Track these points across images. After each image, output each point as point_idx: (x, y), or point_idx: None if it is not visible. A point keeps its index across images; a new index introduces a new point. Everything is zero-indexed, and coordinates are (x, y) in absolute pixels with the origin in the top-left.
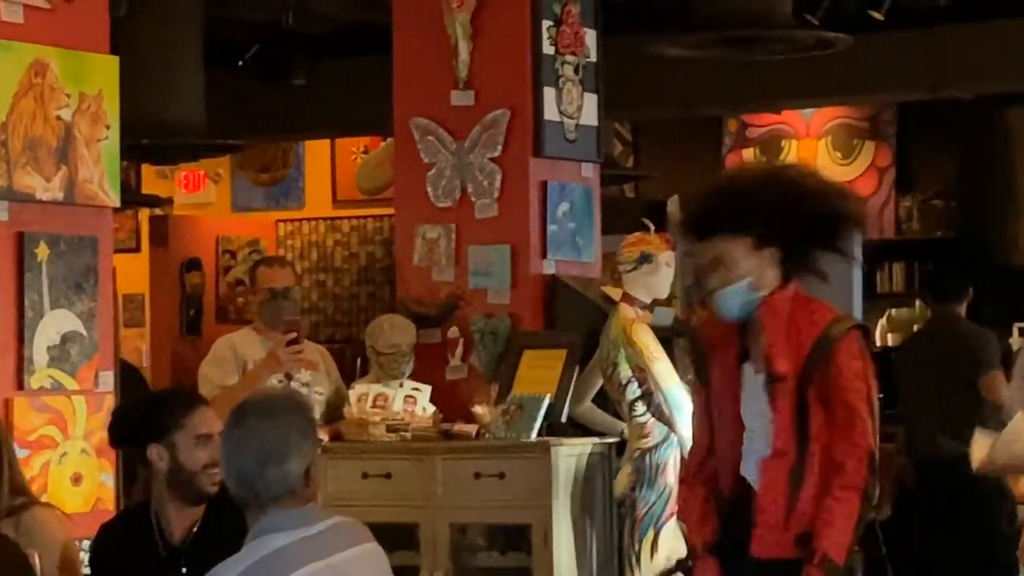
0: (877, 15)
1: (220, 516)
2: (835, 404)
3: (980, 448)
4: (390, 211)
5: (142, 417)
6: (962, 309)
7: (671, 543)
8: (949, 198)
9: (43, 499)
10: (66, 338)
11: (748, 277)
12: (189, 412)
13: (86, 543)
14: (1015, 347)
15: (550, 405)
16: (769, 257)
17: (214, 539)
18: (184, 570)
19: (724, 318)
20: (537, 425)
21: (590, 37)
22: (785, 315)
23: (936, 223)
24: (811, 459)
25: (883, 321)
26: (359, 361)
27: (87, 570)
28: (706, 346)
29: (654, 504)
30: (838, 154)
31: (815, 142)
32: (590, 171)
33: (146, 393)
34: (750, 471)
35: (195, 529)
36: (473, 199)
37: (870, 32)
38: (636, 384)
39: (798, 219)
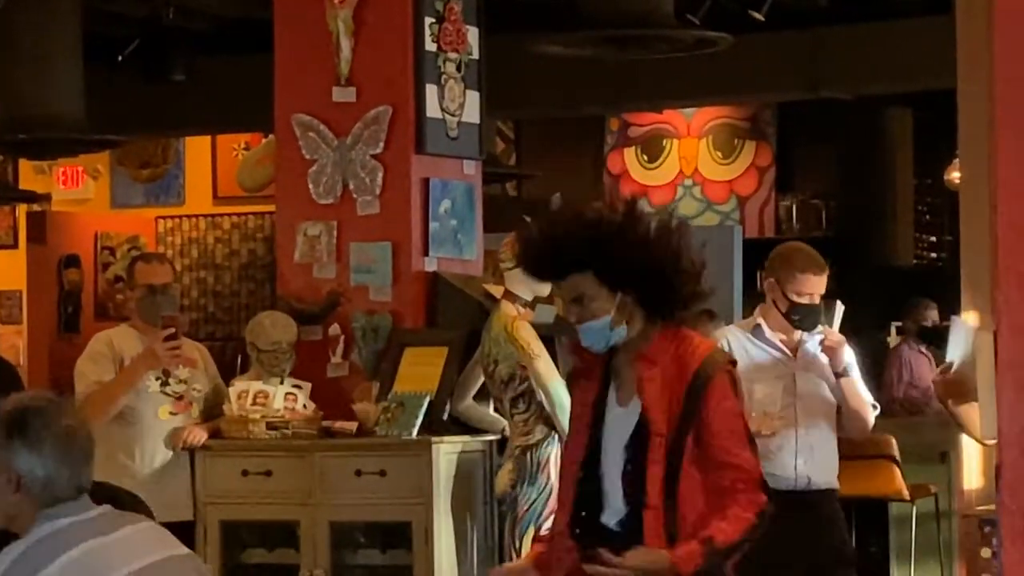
0: (758, 16)
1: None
2: (714, 440)
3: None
4: (271, 208)
5: None
6: None
7: None
8: (829, 198)
9: None
10: None
11: (607, 315)
12: None
13: None
14: (892, 344)
15: (431, 403)
16: (623, 298)
17: None
18: None
19: (590, 350)
20: (418, 423)
21: (472, 34)
22: (660, 365)
23: (816, 223)
24: (680, 516)
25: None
26: (240, 358)
27: None
28: (572, 376)
29: (535, 501)
30: (719, 153)
31: (696, 141)
32: (472, 168)
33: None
34: (613, 519)
35: None
36: (355, 196)
37: (751, 32)
38: (517, 381)
39: (630, 269)
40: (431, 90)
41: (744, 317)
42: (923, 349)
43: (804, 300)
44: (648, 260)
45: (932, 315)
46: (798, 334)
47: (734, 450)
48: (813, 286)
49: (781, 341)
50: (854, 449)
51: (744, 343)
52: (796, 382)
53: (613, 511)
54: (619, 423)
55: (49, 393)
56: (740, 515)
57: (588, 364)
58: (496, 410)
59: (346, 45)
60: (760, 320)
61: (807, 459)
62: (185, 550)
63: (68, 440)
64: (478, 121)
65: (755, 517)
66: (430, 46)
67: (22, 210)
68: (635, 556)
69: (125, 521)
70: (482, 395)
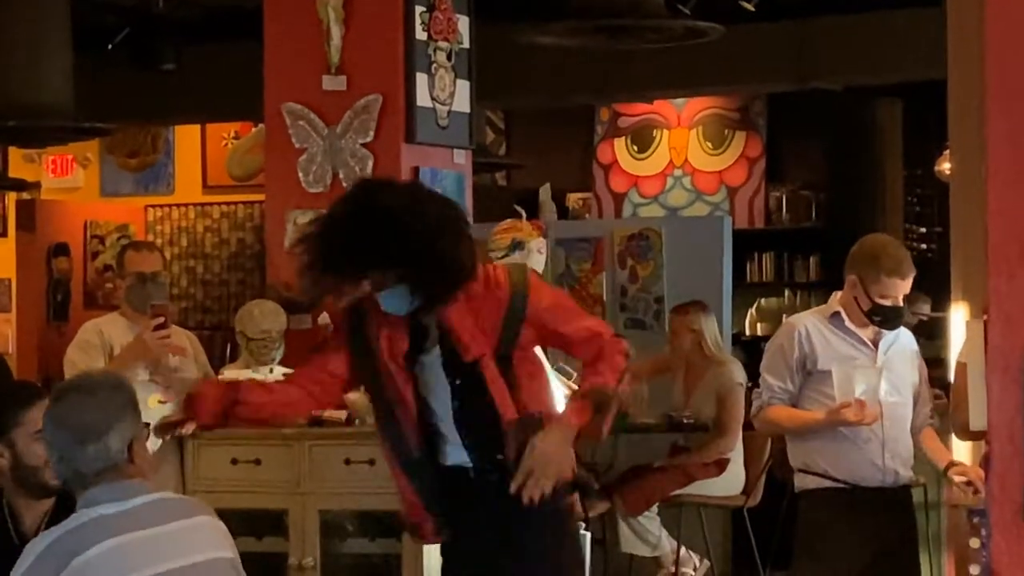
0: (748, 6)
1: (69, 507)
2: (558, 329)
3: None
4: (261, 197)
5: None
6: None
7: None
8: (818, 189)
9: None
10: None
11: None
12: (26, 408)
13: None
14: None
15: None
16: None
17: None
18: None
19: (392, 313)
20: None
21: (463, 23)
22: (464, 307)
23: (806, 214)
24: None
25: (752, 310)
26: (229, 347)
27: None
28: (364, 323)
29: None
30: (709, 144)
31: (686, 132)
32: (462, 157)
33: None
34: (458, 456)
35: (45, 520)
36: (344, 184)
37: (741, 23)
38: None
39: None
40: (421, 79)
41: (733, 308)
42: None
43: (888, 302)
44: (422, 252)
45: (925, 308)
46: (873, 329)
47: (577, 323)
48: (898, 289)
49: (862, 333)
50: None
51: (823, 330)
52: (879, 376)
53: (455, 451)
54: (431, 368)
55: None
56: (610, 363)
57: (390, 324)
58: None
59: (336, 34)
60: (840, 309)
61: (893, 453)
62: (228, 552)
63: (60, 425)
64: (468, 110)
65: (624, 359)
66: (421, 35)
67: (11, 198)
68: (535, 453)
69: (175, 515)
70: None
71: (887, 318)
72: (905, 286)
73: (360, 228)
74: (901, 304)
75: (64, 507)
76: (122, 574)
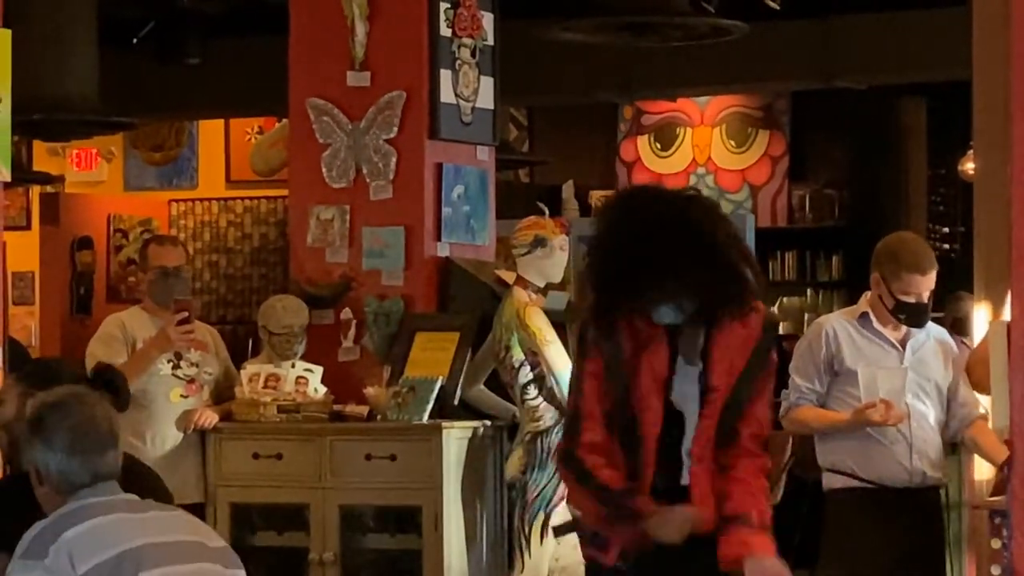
0: (773, 4)
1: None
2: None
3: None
4: (284, 192)
5: None
6: None
7: None
8: (841, 188)
9: None
10: None
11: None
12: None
13: None
14: None
15: (442, 388)
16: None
17: None
18: None
19: (658, 321)
20: (429, 407)
21: (487, 20)
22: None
23: (828, 212)
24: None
25: (774, 309)
26: (251, 342)
27: None
28: (626, 337)
29: (545, 487)
30: (732, 142)
31: (709, 130)
32: (485, 154)
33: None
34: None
35: None
36: (368, 180)
37: (765, 20)
38: (529, 367)
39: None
40: (445, 75)
41: None
42: (964, 340)
43: (911, 299)
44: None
45: (967, 307)
46: (903, 329)
47: (759, 404)
48: (919, 285)
49: (890, 333)
50: None
51: (850, 331)
52: (906, 376)
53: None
54: (686, 382)
55: (79, 386)
56: (757, 484)
57: (646, 337)
58: (507, 396)
59: (361, 29)
60: (868, 309)
61: (921, 454)
62: (222, 542)
63: (82, 432)
64: (492, 107)
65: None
66: (445, 31)
67: (35, 191)
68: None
69: (157, 507)
70: (493, 381)
71: (911, 315)
72: (927, 282)
73: (661, 237)
74: (925, 301)
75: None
76: (112, 545)
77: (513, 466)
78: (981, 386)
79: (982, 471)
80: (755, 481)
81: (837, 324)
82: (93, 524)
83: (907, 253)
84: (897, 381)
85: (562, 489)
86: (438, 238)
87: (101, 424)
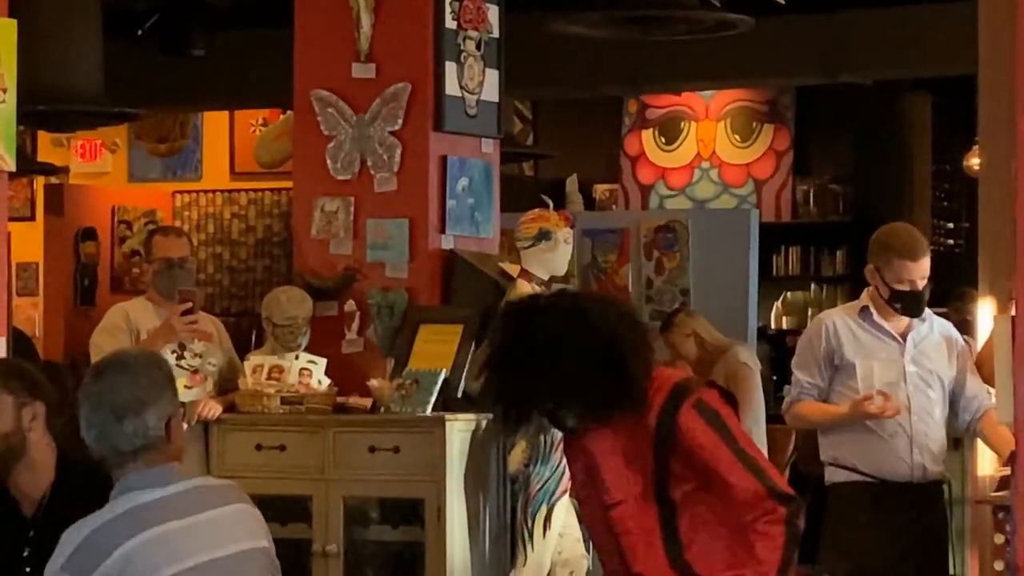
0: None
1: (70, 483)
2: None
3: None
4: (288, 184)
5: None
6: None
7: (564, 519)
8: (846, 183)
9: None
10: None
11: None
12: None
13: None
14: None
15: (446, 380)
16: None
17: (64, 507)
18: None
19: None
20: (432, 400)
21: (493, 13)
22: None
23: (833, 207)
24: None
25: (778, 304)
26: (255, 334)
27: None
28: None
29: (548, 480)
30: (736, 137)
31: (714, 124)
32: (490, 147)
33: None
34: None
35: (45, 500)
36: (372, 172)
37: (771, 15)
38: None
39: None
40: (450, 68)
41: (759, 301)
42: (968, 339)
43: (905, 287)
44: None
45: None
46: (905, 321)
47: (730, 479)
48: (911, 272)
49: (891, 326)
50: None
51: (851, 326)
52: (906, 369)
53: None
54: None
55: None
56: (768, 545)
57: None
58: None
59: (366, 21)
60: (868, 303)
61: (922, 448)
62: (263, 542)
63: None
64: (497, 100)
65: (783, 534)
66: (450, 24)
67: (40, 182)
68: None
69: (212, 503)
70: None
71: (906, 304)
72: (919, 268)
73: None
74: (920, 289)
75: (65, 488)
76: (163, 565)
77: (516, 459)
78: (992, 380)
79: (985, 466)
80: (757, 545)
81: (837, 319)
82: (146, 538)
83: (897, 241)
84: (893, 374)
85: (565, 482)
86: (442, 230)
87: (118, 392)
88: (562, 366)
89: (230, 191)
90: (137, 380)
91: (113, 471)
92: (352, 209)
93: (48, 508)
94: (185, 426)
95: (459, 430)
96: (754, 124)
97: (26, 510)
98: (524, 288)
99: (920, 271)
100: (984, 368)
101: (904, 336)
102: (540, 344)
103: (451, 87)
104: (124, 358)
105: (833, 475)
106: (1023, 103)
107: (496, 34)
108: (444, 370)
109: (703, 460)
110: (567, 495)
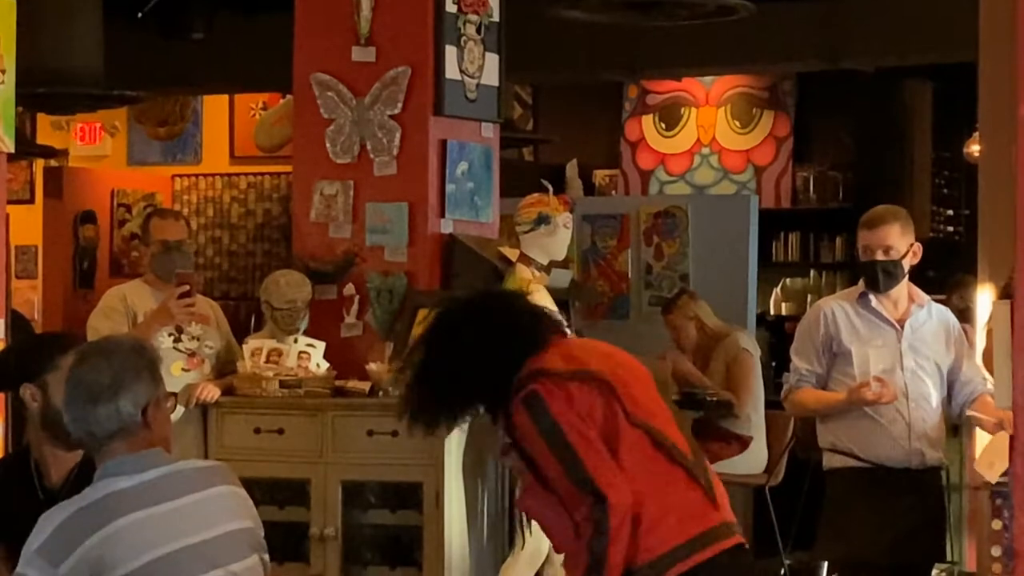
0: None
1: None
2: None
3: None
4: (288, 168)
5: (18, 357)
6: None
7: None
8: (846, 169)
9: None
10: None
11: None
12: (63, 355)
13: None
14: None
15: None
16: None
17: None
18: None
19: None
20: None
21: None
22: None
23: (833, 194)
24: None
25: (777, 290)
26: (254, 318)
27: None
28: None
29: None
30: (737, 123)
31: (714, 110)
32: (490, 131)
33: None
34: None
35: (73, 473)
36: (372, 156)
37: (772, 1)
38: None
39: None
40: (451, 52)
41: (758, 287)
42: (966, 327)
43: (867, 258)
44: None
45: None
46: (902, 308)
47: (549, 474)
48: (868, 239)
49: (888, 313)
50: None
51: (848, 312)
52: (903, 356)
53: None
54: None
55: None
56: (582, 548)
57: None
58: None
59: (366, 5)
60: (866, 289)
61: (919, 434)
62: (247, 522)
63: (75, 385)
64: (497, 84)
65: (593, 531)
66: (451, 7)
67: (39, 165)
68: None
69: (195, 486)
70: None
71: (868, 276)
72: (874, 236)
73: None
74: (878, 259)
75: (91, 466)
76: (140, 551)
77: None
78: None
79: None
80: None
81: (835, 305)
82: (124, 524)
83: (866, 215)
84: (889, 360)
85: None
86: (442, 215)
87: (94, 376)
88: (439, 377)
89: (229, 175)
90: (114, 365)
91: (93, 455)
92: (352, 193)
93: (76, 481)
94: (183, 409)
95: None
96: (754, 110)
97: (54, 480)
98: (523, 273)
99: (877, 239)
100: (990, 360)
101: (902, 323)
102: (427, 358)
103: (451, 71)
104: (107, 344)
105: (831, 461)
106: (1023, 90)
107: (496, 18)
108: None
109: (529, 455)
110: None
